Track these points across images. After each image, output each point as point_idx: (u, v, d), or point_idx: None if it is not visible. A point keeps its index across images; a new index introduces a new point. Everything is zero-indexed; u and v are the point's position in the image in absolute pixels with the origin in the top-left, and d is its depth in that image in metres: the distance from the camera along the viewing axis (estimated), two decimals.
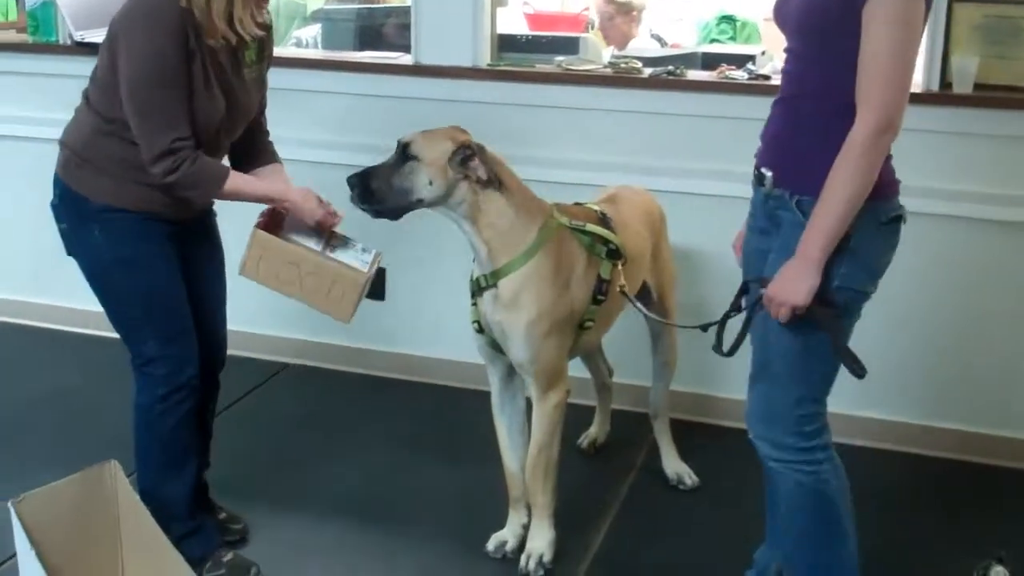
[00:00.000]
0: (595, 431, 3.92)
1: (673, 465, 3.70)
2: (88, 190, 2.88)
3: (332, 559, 3.27)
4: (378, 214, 2.98)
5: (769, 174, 2.54)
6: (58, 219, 2.97)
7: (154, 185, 2.82)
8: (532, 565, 3.16)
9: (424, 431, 4.04)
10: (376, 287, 3.07)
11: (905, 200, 2.53)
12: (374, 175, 2.93)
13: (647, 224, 3.42)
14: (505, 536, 3.28)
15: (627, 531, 3.44)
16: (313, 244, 3.01)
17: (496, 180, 2.92)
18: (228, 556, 3.12)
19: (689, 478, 3.68)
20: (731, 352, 2.61)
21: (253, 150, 3.08)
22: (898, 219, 2.49)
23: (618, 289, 3.09)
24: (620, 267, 3.11)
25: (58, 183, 2.94)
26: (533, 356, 3.01)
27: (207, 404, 3.22)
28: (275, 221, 3.02)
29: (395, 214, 2.98)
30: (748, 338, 2.60)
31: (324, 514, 3.48)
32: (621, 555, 3.31)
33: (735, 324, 2.63)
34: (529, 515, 3.25)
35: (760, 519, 2.93)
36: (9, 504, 2.66)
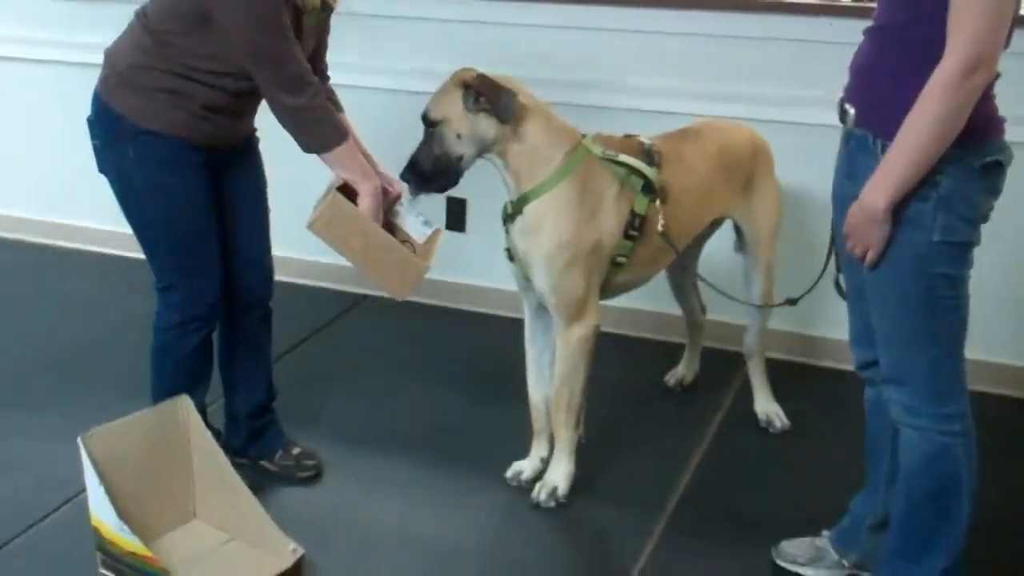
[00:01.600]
0: (682, 370, 3.81)
1: (764, 405, 3.58)
2: (126, 108, 2.81)
3: (405, 496, 3.21)
4: (442, 189, 2.99)
5: (852, 110, 2.34)
6: (92, 134, 2.91)
7: (198, 109, 2.79)
8: (543, 496, 3.10)
9: (498, 365, 3.91)
10: (456, 218, 3.00)
11: (1013, 131, 2.29)
12: (417, 159, 2.93)
13: (726, 160, 3.26)
14: (522, 466, 3.24)
15: (714, 472, 3.33)
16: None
17: (507, 108, 2.84)
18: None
19: (780, 420, 3.55)
20: (842, 294, 2.53)
21: None
22: (998, 164, 2.26)
23: (658, 229, 2.98)
24: (658, 205, 2.98)
25: (96, 99, 2.88)
26: (554, 285, 2.93)
27: (259, 334, 3.21)
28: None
29: (452, 181, 2.96)
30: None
31: (396, 450, 3.42)
32: (708, 496, 3.21)
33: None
34: (551, 449, 3.18)
35: (854, 464, 2.82)
36: (78, 439, 2.62)
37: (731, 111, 3.57)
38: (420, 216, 3.05)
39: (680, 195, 3.07)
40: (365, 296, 4.48)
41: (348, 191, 2.90)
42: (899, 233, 2.25)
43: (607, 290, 3.08)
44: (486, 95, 2.83)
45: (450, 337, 4.22)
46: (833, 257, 2.59)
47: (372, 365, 3.99)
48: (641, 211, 2.98)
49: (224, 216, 3.01)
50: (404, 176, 2.95)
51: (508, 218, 3.00)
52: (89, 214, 4.97)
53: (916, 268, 2.27)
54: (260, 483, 3.10)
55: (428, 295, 4.35)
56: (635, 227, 2.98)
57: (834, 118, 2.41)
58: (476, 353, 4.09)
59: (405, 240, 3.03)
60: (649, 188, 2.99)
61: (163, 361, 3.06)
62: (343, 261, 2.96)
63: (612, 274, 3.04)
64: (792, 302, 2.97)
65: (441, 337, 4.22)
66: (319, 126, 2.82)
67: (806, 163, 3.53)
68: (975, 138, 2.17)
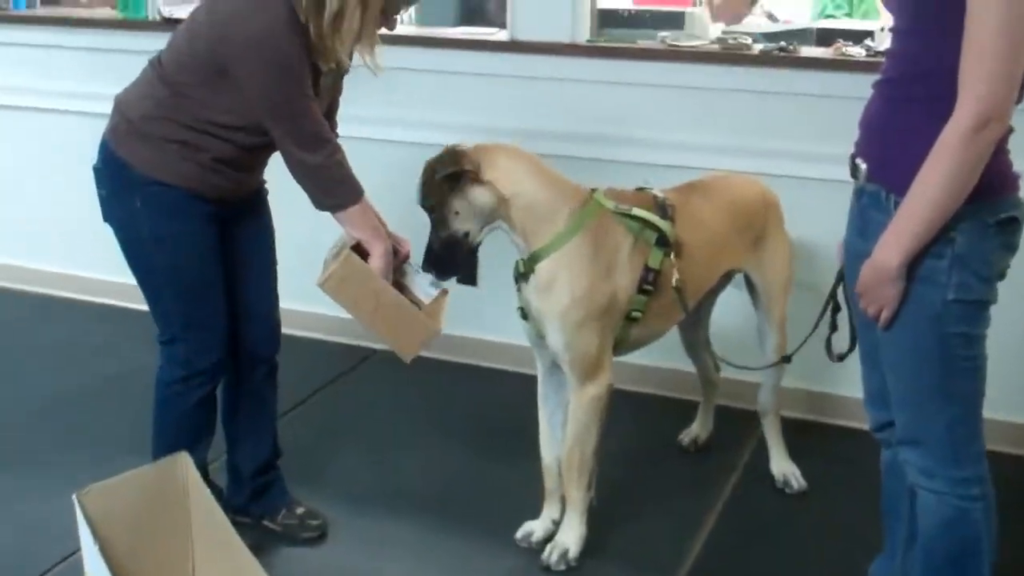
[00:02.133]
0: (697, 429, 3.74)
1: (781, 465, 3.50)
2: (135, 158, 2.79)
3: (412, 558, 3.14)
4: (465, 273, 3.02)
5: (864, 166, 2.28)
6: (99, 183, 2.88)
7: (208, 162, 2.77)
8: (555, 558, 3.03)
9: (509, 422, 3.85)
10: (468, 272, 2.98)
11: None
12: (430, 246, 2.95)
13: (737, 213, 3.22)
14: (533, 527, 3.17)
15: (729, 536, 3.25)
16: None
17: (471, 174, 2.83)
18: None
19: (796, 481, 3.47)
20: (842, 358, 2.51)
21: None
22: (1014, 220, 2.19)
23: (672, 283, 2.94)
24: (672, 258, 2.94)
25: (104, 147, 2.86)
26: (567, 342, 2.89)
27: (265, 388, 3.17)
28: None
29: (468, 260, 2.98)
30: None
31: (404, 510, 3.35)
32: (723, 559, 3.13)
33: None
34: (563, 510, 3.11)
35: (871, 527, 2.75)
36: (74, 496, 2.56)
37: (741, 165, 3.53)
38: (427, 277, 3.02)
39: (693, 249, 3.03)
40: (374, 351, 4.41)
41: (359, 249, 2.88)
42: (913, 292, 2.19)
43: (621, 346, 3.03)
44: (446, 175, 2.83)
45: (460, 393, 4.16)
46: (828, 316, 2.55)
47: (380, 421, 3.93)
48: (655, 265, 2.94)
49: (231, 269, 2.97)
50: (424, 267, 2.96)
51: (521, 276, 2.97)
52: (91, 264, 4.91)
53: (931, 327, 2.21)
54: (262, 543, 3.04)
55: (438, 350, 4.27)
56: (649, 282, 2.94)
57: (845, 173, 2.36)
58: (486, 409, 4.02)
59: (413, 301, 2.99)
60: (663, 242, 2.94)
61: (165, 416, 3.01)
62: (351, 315, 2.94)
63: (626, 329, 2.99)
64: (787, 359, 2.95)
65: (451, 393, 4.16)
66: (335, 184, 2.81)
67: (817, 218, 3.48)
68: (989, 194, 2.12)
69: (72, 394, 4.07)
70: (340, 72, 2.90)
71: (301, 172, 2.77)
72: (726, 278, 3.35)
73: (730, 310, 3.54)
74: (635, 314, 2.97)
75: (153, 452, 2.98)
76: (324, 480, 3.47)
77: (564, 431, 3.07)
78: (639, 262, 2.94)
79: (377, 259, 2.84)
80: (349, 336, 4.40)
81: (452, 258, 2.93)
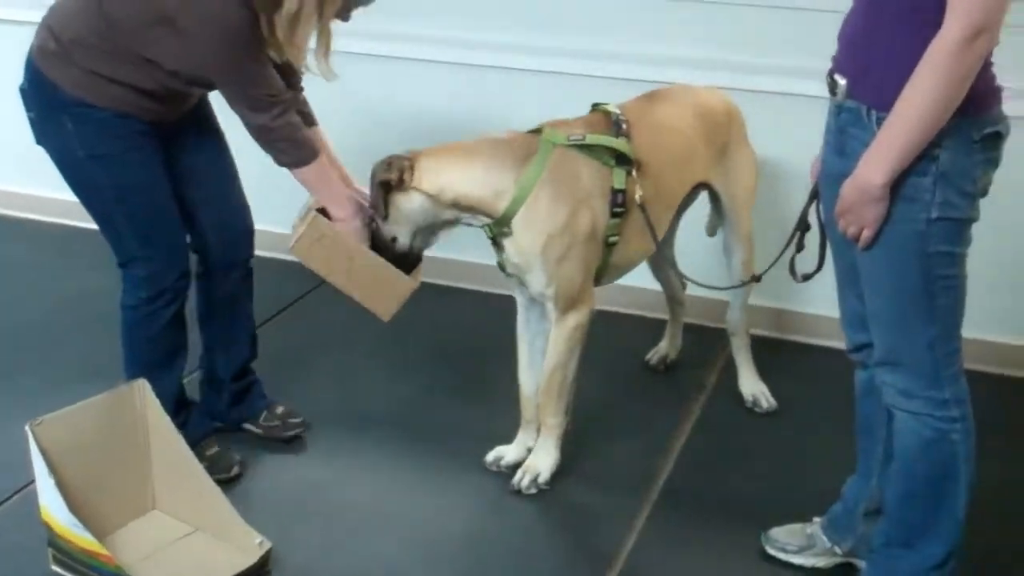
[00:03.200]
0: (666, 347, 3.69)
1: (750, 385, 3.46)
2: (63, 80, 2.70)
3: (380, 477, 3.11)
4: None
5: (843, 82, 2.20)
6: (27, 106, 2.80)
7: (139, 90, 2.69)
8: (526, 481, 3.01)
9: (475, 341, 3.84)
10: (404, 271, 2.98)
11: (1011, 106, 2.17)
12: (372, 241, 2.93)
13: (701, 126, 3.14)
14: (505, 451, 3.14)
15: (699, 455, 3.22)
16: None
17: (394, 182, 2.81)
18: (212, 450, 3.03)
19: (766, 400, 3.44)
20: (807, 278, 2.49)
21: None
22: (997, 135, 2.15)
23: (635, 200, 2.87)
24: (635, 175, 2.87)
25: (30, 66, 2.77)
26: (548, 280, 2.86)
27: (240, 293, 3.14)
28: None
29: (403, 262, 2.95)
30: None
31: (369, 431, 3.31)
32: (694, 480, 3.10)
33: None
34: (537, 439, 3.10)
35: (843, 446, 2.73)
36: (26, 427, 2.49)
37: (709, 79, 3.41)
38: None
39: (658, 164, 2.96)
40: None
41: (324, 210, 2.87)
42: (895, 211, 2.14)
43: (604, 274, 2.99)
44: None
45: (422, 313, 4.03)
46: (797, 236, 2.51)
47: (343, 342, 3.86)
48: (621, 185, 2.87)
49: (187, 181, 2.92)
50: None
51: (494, 241, 2.91)
52: (39, 181, 4.68)
53: (914, 247, 2.16)
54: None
55: None
56: (619, 204, 2.87)
57: (818, 88, 2.28)
58: (449, 330, 3.96)
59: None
60: (624, 160, 2.86)
61: (134, 340, 2.94)
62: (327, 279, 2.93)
63: (606, 256, 2.94)
64: (756, 279, 2.88)
65: (414, 313, 4.04)
66: (286, 145, 2.77)
67: (786, 136, 3.41)
68: (975, 108, 2.07)
69: (21, 318, 3.95)
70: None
71: (250, 131, 2.75)
72: (692, 194, 3.28)
73: (698, 227, 3.47)
74: (612, 239, 2.91)
75: (127, 376, 2.91)
76: (288, 401, 3.36)
77: (543, 360, 3.03)
78: (606, 186, 2.87)
79: (338, 224, 2.84)
80: None
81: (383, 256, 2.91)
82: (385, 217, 2.85)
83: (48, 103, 2.73)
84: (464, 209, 2.86)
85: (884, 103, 2.08)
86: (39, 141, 2.80)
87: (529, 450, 3.10)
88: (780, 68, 3.59)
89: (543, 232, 2.80)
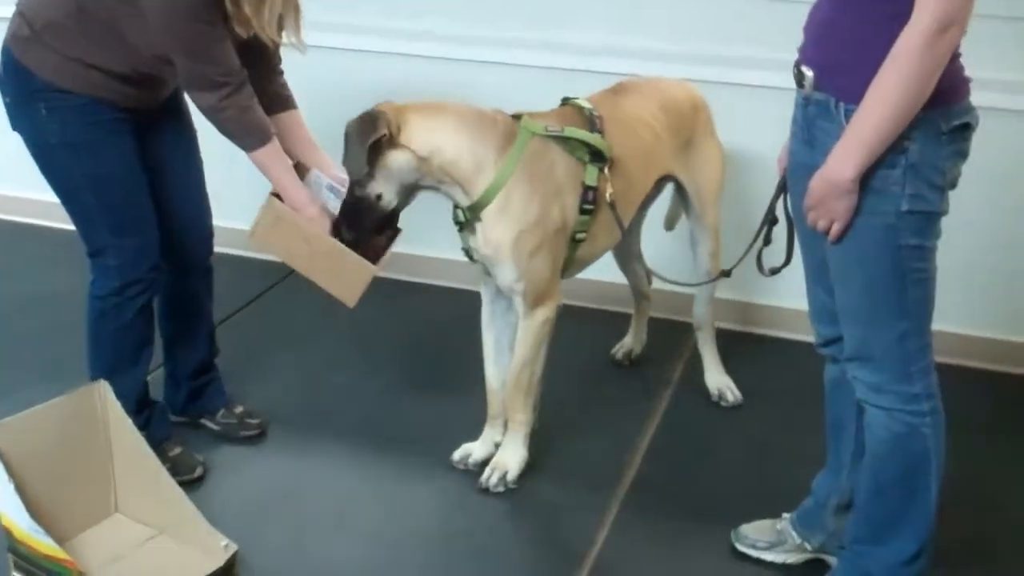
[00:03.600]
0: (631, 342, 3.67)
1: (715, 379, 3.46)
2: (37, 65, 2.69)
3: (345, 475, 3.10)
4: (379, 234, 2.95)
5: (810, 73, 2.19)
6: (3, 91, 2.80)
7: (114, 74, 2.69)
8: (494, 479, 2.99)
9: (440, 340, 3.82)
10: (381, 233, 2.96)
11: (978, 96, 2.17)
12: (345, 203, 2.85)
13: (667, 118, 3.13)
14: (472, 448, 3.11)
15: (667, 451, 3.21)
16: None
17: (386, 137, 2.73)
18: (175, 451, 3.01)
19: (732, 393, 3.43)
20: (775, 272, 2.47)
21: (264, 95, 2.85)
22: (965, 127, 2.15)
23: (607, 198, 2.86)
24: (607, 172, 2.86)
25: (5, 52, 2.75)
26: (519, 275, 2.83)
27: (200, 291, 3.14)
28: None
29: (384, 222, 2.89)
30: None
31: (334, 430, 3.29)
32: (662, 476, 3.09)
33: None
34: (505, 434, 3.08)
35: (811, 440, 2.75)
36: None
37: (673, 71, 3.39)
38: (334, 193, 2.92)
39: (626, 160, 2.94)
40: None
41: None
42: (865, 204, 2.14)
43: (568, 267, 2.97)
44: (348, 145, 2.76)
45: (387, 309, 4.03)
46: (765, 230, 2.51)
47: (309, 338, 3.82)
48: (592, 183, 2.86)
49: (156, 175, 2.90)
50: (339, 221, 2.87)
51: (464, 225, 2.87)
52: (4, 179, 4.65)
53: (883, 240, 2.16)
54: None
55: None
56: (589, 200, 2.86)
57: (784, 80, 2.26)
58: (414, 326, 3.93)
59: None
60: (598, 157, 2.85)
61: (101, 333, 2.91)
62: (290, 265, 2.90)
63: (572, 251, 2.93)
64: (726, 273, 2.86)
65: (378, 309, 4.01)
66: (236, 127, 2.74)
67: (751, 128, 3.40)
68: (943, 101, 2.06)
69: None
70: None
71: (201, 111, 2.74)
72: (658, 187, 3.27)
73: (662, 221, 3.46)
74: (580, 235, 2.90)
75: (91, 370, 2.89)
76: (253, 398, 3.35)
77: (509, 355, 3.01)
78: (578, 182, 2.86)
79: (295, 210, 2.81)
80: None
81: (361, 218, 2.83)
82: (371, 175, 2.77)
83: (23, 89, 2.72)
84: (444, 176, 2.80)
85: (852, 96, 2.08)
86: (14, 127, 2.79)
87: (496, 445, 3.08)
88: (748, 60, 3.59)
89: (515, 226, 2.78)
